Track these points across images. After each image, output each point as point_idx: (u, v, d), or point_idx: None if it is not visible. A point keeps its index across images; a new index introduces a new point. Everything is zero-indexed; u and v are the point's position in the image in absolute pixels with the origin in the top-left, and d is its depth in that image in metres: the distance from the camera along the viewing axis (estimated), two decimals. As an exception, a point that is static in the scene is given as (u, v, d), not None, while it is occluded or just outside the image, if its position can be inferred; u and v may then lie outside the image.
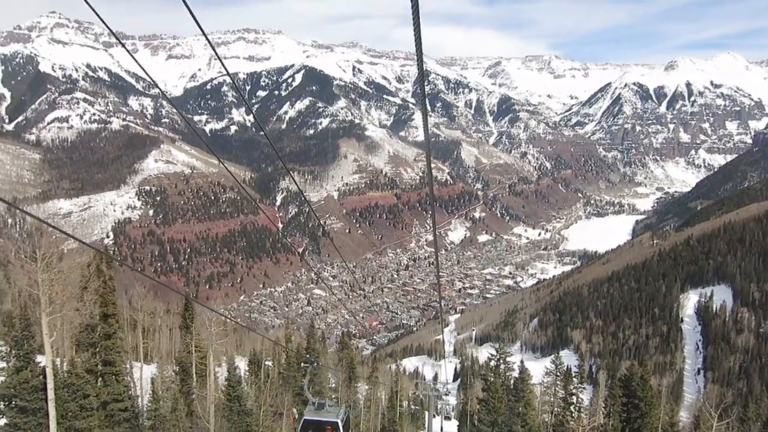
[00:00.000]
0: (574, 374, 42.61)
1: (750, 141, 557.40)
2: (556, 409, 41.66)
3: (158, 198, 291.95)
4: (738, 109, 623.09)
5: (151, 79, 7.60)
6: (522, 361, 52.96)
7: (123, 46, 7.53)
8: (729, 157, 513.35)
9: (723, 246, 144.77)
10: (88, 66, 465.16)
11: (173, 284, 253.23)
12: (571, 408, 39.47)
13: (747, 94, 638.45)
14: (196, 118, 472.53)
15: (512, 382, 38.99)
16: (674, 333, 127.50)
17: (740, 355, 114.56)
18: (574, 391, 40.05)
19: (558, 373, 41.17)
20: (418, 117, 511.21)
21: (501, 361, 38.85)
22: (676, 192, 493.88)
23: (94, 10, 5.98)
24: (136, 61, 6.88)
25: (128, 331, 40.90)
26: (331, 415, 16.21)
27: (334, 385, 39.65)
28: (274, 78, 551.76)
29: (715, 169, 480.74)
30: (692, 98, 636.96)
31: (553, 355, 46.90)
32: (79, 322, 25.75)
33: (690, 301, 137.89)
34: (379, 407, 50.05)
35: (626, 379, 34.86)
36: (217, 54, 6.82)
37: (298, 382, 34.33)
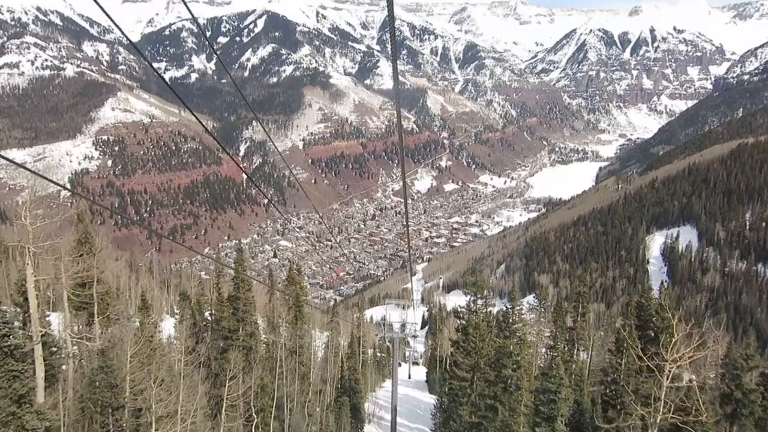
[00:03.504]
0: (567, 308, 38.99)
1: (710, 86, 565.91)
2: (543, 348, 37.42)
3: (116, 148, 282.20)
4: (699, 54, 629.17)
5: (110, 18, 6.25)
6: (513, 289, 49.46)
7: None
8: (690, 103, 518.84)
9: (687, 187, 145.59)
10: (38, 9, 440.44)
11: (135, 237, 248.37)
12: (564, 347, 35.34)
13: (708, 39, 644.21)
14: (155, 65, 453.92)
15: (497, 317, 34.54)
16: (641, 274, 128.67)
17: (706, 293, 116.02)
18: (574, 325, 35.65)
19: (542, 309, 37.89)
20: (383, 65, 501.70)
21: (479, 296, 33.66)
22: (638, 138, 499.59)
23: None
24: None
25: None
26: None
27: (260, 321, 33.09)
28: (236, 23, 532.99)
29: (677, 115, 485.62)
30: (655, 44, 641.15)
31: (534, 293, 44.01)
32: None
33: (656, 242, 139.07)
34: (339, 355, 46.40)
35: (640, 306, 29.76)
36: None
37: (226, 323, 28.63)
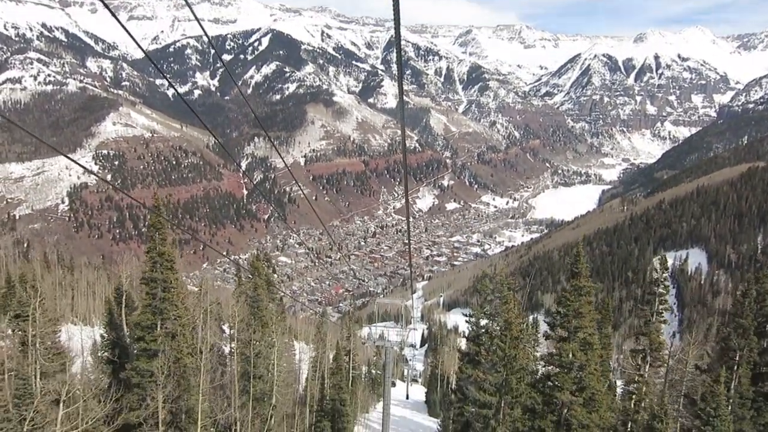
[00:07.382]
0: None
1: (714, 114, 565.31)
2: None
3: (116, 162, 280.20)
4: (704, 82, 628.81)
5: (128, 32, 6.32)
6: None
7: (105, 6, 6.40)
8: (694, 130, 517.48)
9: (696, 209, 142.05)
10: (44, 25, 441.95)
11: (133, 252, 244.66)
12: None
13: (713, 68, 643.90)
14: (158, 81, 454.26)
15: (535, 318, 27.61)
16: (648, 296, 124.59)
17: (717, 317, 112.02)
18: (647, 329, 27.65)
19: (578, 306, 32.78)
20: (386, 84, 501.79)
21: (503, 290, 24.95)
22: (641, 163, 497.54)
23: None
24: (114, 15, 6.13)
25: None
26: None
27: (226, 329, 25.29)
28: (240, 42, 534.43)
29: (680, 141, 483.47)
30: (660, 71, 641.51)
31: (536, 313, 39.96)
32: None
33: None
34: (325, 371, 40.29)
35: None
36: (192, 9, 6.34)
37: (139, 317, 20.65)
